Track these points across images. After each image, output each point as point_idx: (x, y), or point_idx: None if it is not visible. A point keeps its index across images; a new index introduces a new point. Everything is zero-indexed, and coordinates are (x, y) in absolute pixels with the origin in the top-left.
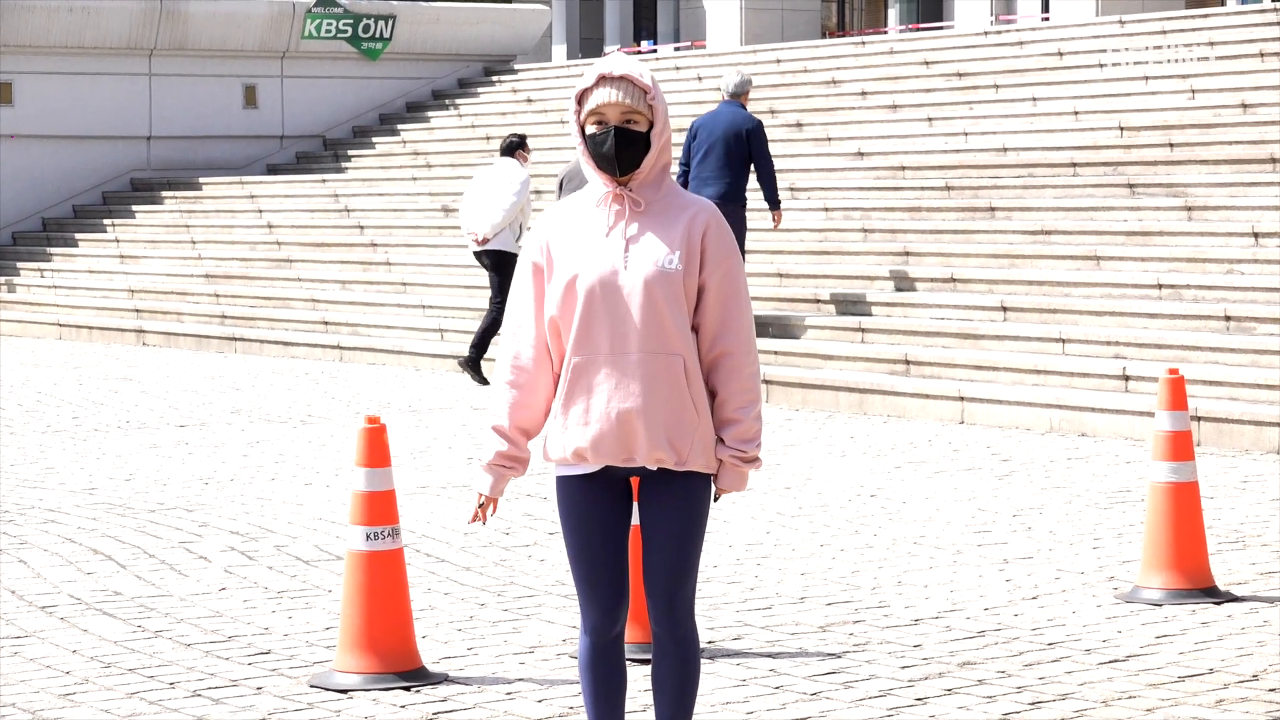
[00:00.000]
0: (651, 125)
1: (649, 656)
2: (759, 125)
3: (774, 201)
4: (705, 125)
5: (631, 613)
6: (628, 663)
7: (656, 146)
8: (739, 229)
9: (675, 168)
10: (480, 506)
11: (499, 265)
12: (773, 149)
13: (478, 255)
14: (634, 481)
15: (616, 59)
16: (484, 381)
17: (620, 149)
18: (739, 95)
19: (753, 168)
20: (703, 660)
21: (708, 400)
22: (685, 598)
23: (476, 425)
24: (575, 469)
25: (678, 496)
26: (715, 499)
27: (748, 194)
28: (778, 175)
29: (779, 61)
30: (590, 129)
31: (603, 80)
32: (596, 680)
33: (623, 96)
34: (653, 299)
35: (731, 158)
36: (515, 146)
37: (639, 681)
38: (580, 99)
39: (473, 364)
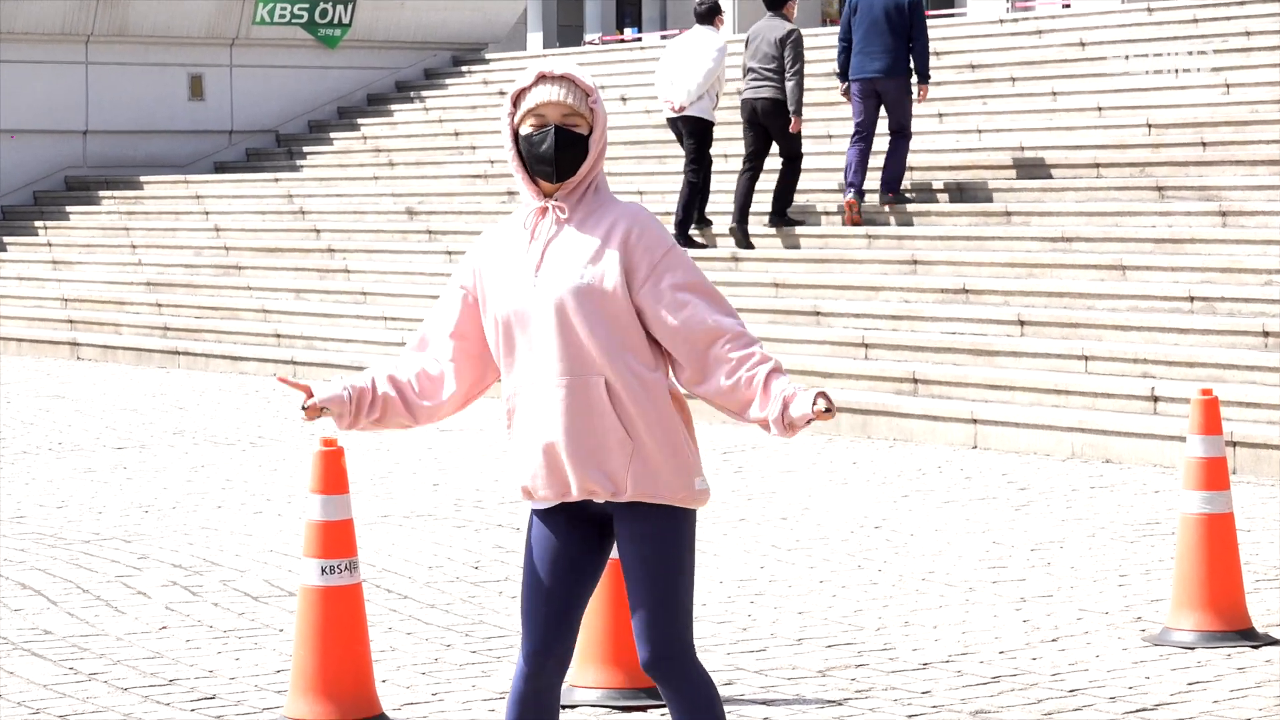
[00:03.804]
0: (591, 130)
1: (627, 704)
2: None
3: (925, 75)
4: (864, 1)
5: (611, 656)
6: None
7: (594, 152)
8: (906, 102)
9: (833, 55)
10: (301, 388)
11: (696, 133)
12: None
13: (673, 123)
14: None
15: (555, 59)
16: (691, 244)
17: (560, 149)
18: None
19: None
20: None
21: (664, 419)
22: (671, 640)
23: (443, 449)
24: (529, 504)
25: (648, 530)
26: (826, 411)
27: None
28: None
29: None
30: (526, 129)
31: (543, 78)
32: None
33: (564, 95)
34: (566, 319)
35: (894, 31)
36: (712, 12)
37: None
38: (516, 99)
39: (682, 231)
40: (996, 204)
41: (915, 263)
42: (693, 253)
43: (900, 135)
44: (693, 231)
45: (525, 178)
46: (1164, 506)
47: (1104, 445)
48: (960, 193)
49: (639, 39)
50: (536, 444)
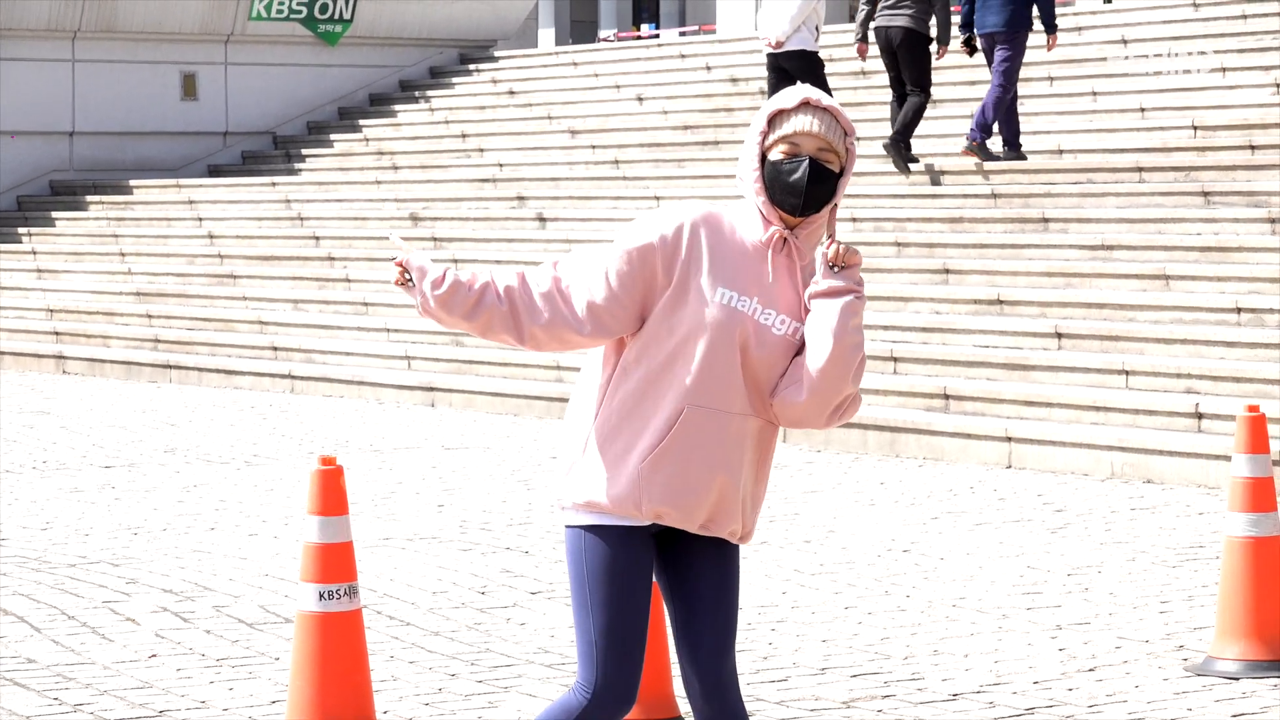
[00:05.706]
0: (842, 171)
1: None
2: None
3: (1052, 25)
4: None
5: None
6: None
7: (839, 194)
8: (1019, 55)
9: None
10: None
11: (805, 69)
12: None
13: (772, 60)
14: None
15: (817, 91)
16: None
17: (813, 183)
18: None
19: None
20: None
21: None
22: (733, 669)
23: (447, 467)
24: (611, 519)
25: (722, 558)
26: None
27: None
28: None
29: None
30: (776, 155)
31: (806, 105)
32: None
33: (824, 129)
34: (751, 357)
35: None
36: None
37: None
38: (772, 120)
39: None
40: (1033, 210)
41: (947, 272)
42: None
43: (1003, 87)
44: None
45: (767, 202)
46: (1208, 529)
47: (1145, 465)
48: (995, 199)
49: (656, 35)
50: (683, 465)
